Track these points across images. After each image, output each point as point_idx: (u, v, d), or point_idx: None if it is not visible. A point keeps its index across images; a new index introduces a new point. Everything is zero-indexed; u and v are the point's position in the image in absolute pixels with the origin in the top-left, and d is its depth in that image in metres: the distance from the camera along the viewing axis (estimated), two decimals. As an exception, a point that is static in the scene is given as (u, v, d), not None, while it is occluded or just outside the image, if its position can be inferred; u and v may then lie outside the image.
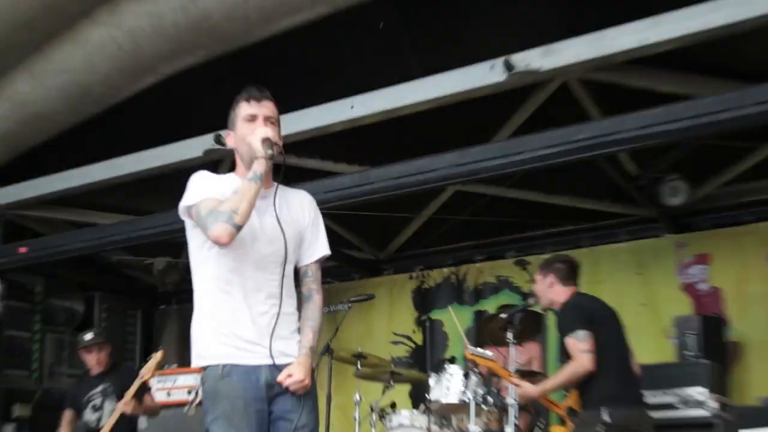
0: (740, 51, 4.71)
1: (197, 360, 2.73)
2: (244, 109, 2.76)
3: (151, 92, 5.53)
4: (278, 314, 2.67)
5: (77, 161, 6.18)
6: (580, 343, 4.04)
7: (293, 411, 2.66)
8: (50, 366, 7.65)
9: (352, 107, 4.80)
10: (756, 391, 5.54)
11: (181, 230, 6.07)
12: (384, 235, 7.48)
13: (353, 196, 5.15)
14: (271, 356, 2.62)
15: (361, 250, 7.58)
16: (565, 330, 4.14)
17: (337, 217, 6.24)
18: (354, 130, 5.00)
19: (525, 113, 5.54)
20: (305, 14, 4.63)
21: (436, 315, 7.01)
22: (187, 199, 2.71)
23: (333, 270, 7.38)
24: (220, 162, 6.01)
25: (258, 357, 2.64)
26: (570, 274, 4.36)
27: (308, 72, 5.29)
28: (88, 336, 5.66)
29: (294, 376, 2.64)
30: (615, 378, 4.06)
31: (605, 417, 3.94)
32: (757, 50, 4.77)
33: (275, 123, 2.76)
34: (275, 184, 2.77)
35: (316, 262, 2.86)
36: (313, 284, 2.84)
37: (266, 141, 2.66)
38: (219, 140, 5.41)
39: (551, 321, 5.81)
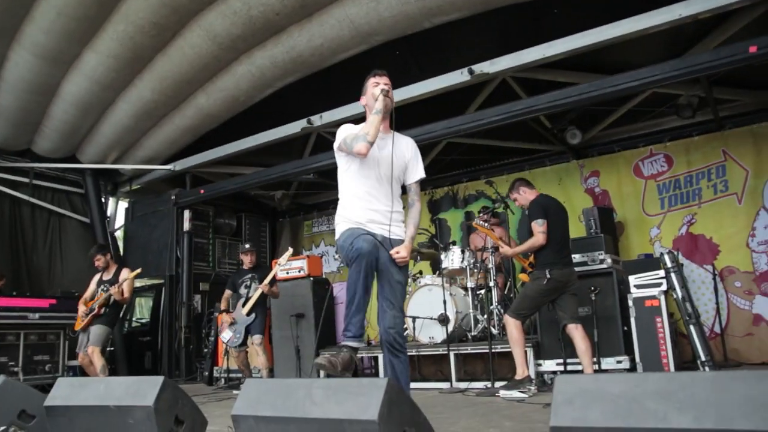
0: (601, 57, 4.85)
1: (343, 224, 2.62)
2: (372, 80, 2.70)
3: (265, 99, 5.86)
4: (391, 211, 2.59)
5: (230, 138, 6.52)
6: (538, 227, 3.92)
7: (393, 267, 2.57)
8: (218, 259, 7.83)
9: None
10: (634, 252, 5.63)
11: (291, 174, 6.23)
12: None
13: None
14: (389, 230, 2.57)
15: None
16: (531, 217, 3.99)
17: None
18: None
19: (482, 97, 5.75)
20: (351, 52, 4.92)
21: (441, 215, 7.18)
22: (338, 139, 2.65)
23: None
24: (310, 135, 6.34)
25: (379, 229, 2.60)
26: (530, 185, 4.19)
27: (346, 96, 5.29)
28: (247, 245, 5.63)
29: (400, 253, 2.57)
30: (556, 248, 3.93)
31: (548, 274, 3.89)
32: (612, 56, 4.92)
33: (389, 90, 2.66)
34: (392, 131, 2.69)
35: (416, 182, 2.73)
36: (414, 196, 2.73)
37: (382, 90, 2.62)
38: (309, 122, 5.59)
39: (510, 216, 5.72)
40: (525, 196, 4.12)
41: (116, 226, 7.95)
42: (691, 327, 4.25)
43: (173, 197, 7.29)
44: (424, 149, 6.63)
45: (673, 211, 5.76)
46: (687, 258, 5.56)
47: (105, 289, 5.11)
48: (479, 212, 5.07)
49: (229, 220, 8.17)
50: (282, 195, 7.99)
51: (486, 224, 4.47)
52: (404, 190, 2.74)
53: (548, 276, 3.87)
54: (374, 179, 2.63)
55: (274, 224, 8.65)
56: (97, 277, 5.32)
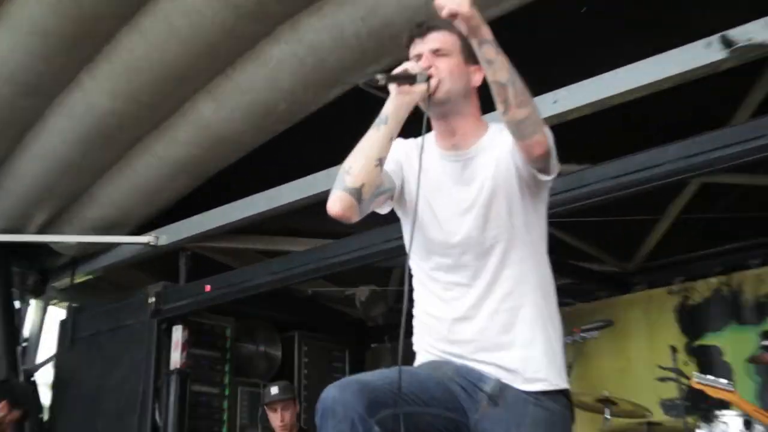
0: None
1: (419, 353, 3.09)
2: (410, 53, 3.04)
3: (333, 104, 6.53)
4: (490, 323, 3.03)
5: (262, 186, 7.21)
6: None
7: None
8: (242, 427, 8.44)
9: (555, 102, 5.53)
10: None
11: (383, 252, 7.03)
12: (627, 242, 8.04)
13: (569, 202, 5.72)
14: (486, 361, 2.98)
15: (603, 262, 8.06)
16: None
17: (562, 225, 6.86)
18: (563, 126, 5.35)
19: (760, 93, 6.09)
20: (499, 7, 5.39)
21: (710, 340, 7.59)
22: None
23: (570, 288, 7.93)
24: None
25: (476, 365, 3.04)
26: None
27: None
28: (274, 390, 6.31)
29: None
30: None
31: None
32: None
33: (448, 54, 2.98)
34: (484, 135, 3.04)
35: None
36: None
37: (394, 74, 2.86)
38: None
39: None
40: None
41: (38, 359, 8.73)
42: None
43: (152, 300, 7.99)
44: (651, 199, 7.25)
45: None
46: None
47: None
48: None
49: (268, 346, 9.05)
50: (370, 295, 8.72)
51: (717, 379, 4.97)
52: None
53: None
54: (441, 261, 3.08)
55: (360, 353, 9.47)
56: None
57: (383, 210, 3.16)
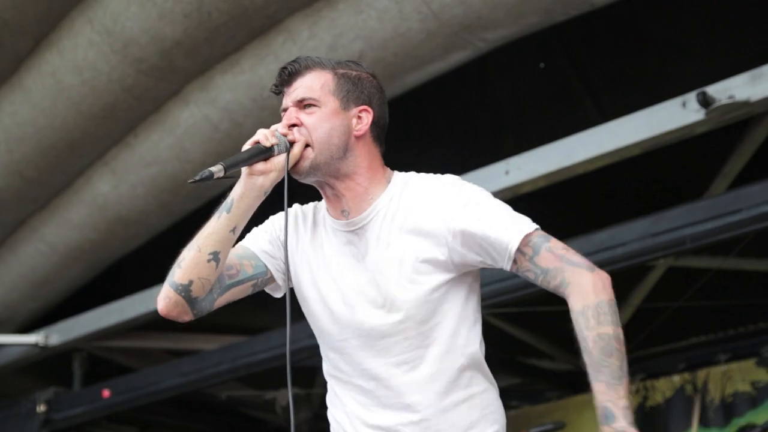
0: None
1: None
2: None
3: None
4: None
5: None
6: None
7: None
8: None
9: (507, 172, 5.33)
10: None
11: (308, 349, 6.75)
12: None
13: (518, 288, 5.47)
14: None
15: (554, 359, 7.69)
16: None
17: (510, 317, 6.57)
18: (514, 201, 5.04)
19: (740, 160, 5.84)
20: (435, 66, 5.30)
21: None
22: None
23: (517, 388, 7.64)
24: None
25: None
26: None
27: (452, 134, 5.91)
28: None
29: None
30: None
31: None
32: None
33: (317, 103, 2.57)
34: (375, 204, 2.61)
35: (516, 250, 2.44)
36: (556, 277, 2.49)
37: (239, 154, 2.52)
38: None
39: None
40: None
41: None
42: None
43: (42, 408, 7.58)
44: (614, 287, 7.22)
45: None
46: None
47: None
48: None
49: None
50: (291, 400, 8.28)
51: None
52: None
53: None
54: (343, 358, 2.68)
55: None
56: None
57: (276, 294, 2.82)
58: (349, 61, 2.71)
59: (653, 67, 5.58)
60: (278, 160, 2.50)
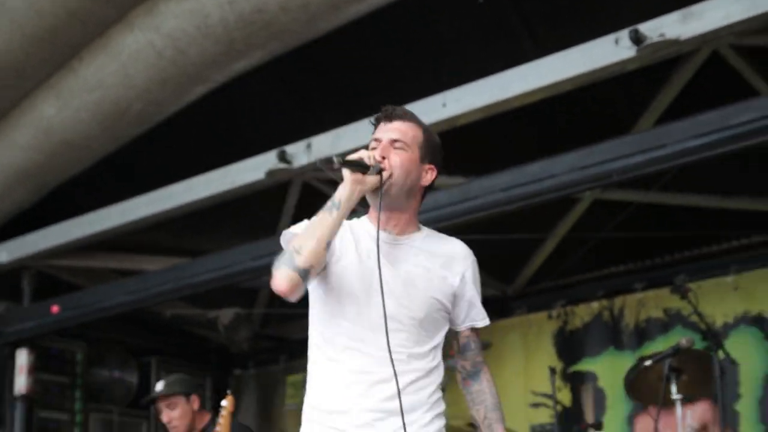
0: None
1: (308, 424, 3.02)
2: (373, 134, 3.08)
3: (199, 106, 6.10)
4: (404, 387, 2.93)
5: (116, 197, 6.80)
6: None
7: None
8: None
9: (444, 105, 5.23)
10: None
11: (250, 271, 6.59)
12: (509, 264, 7.64)
13: (453, 216, 5.39)
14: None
15: (482, 285, 7.78)
16: None
17: None
18: (450, 133, 5.20)
19: (667, 96, 5.75)
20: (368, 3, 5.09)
21: (587, 365, 7.32)
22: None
23: None
24: (289, 184, 6.44)
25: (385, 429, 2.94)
26: None
27: (392, 68, 5.71)
28: (158, 386, 5.72)
29: None
30: None
31: None
32: None
33: (405, 148, 2.98)
34: (417, 228, 3.09)
35: (473, 328, 3.23)
36: (475, 355, 3.21)
37: (350, 160, 2.87)
38: (283, 157, 5.82)
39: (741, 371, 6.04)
40: None
41: None
42: None
43: None
44: (541, 216, 7.24)
45: None
46: None
47: None
48: (640, 359, 5.54)
49: (123, 371, 8.55)
50: (234, 318, 8.29)
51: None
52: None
53: None
54: (361, 327, 2.97)
55: (223, 379, 9.00)
56: None
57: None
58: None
59: (589, 2, 5.41)
60: (372, 179, 2.89)
